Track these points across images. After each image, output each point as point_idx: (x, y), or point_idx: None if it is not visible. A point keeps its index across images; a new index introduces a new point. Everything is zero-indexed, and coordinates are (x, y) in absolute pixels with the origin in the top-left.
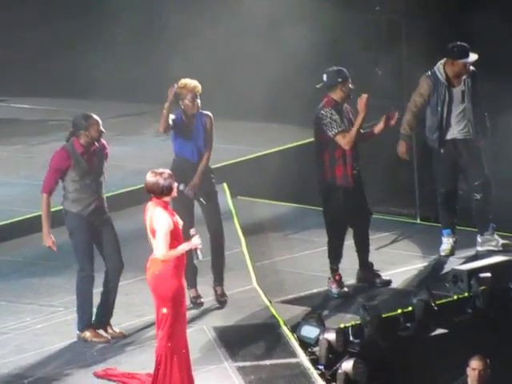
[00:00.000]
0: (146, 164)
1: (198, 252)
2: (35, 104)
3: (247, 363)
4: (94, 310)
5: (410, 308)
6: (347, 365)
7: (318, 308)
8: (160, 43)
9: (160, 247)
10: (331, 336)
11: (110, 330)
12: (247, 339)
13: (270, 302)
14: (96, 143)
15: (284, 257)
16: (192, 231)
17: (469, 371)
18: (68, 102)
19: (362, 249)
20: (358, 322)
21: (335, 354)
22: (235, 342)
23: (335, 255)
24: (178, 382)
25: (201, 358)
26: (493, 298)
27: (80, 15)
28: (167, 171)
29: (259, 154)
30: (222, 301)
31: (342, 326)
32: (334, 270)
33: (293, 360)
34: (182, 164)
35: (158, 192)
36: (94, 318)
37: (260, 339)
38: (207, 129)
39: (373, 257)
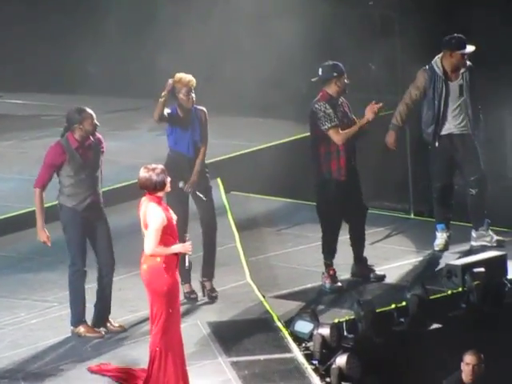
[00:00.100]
0: (140, 159)
1: (186, 259)
2: (28, 99)
3: (241, 358)
4: (91, 308)
5: (404, 303)
6: (341, 360)
7: (311, 303)
8: (153, 37)
9: (149, 242)
10: (325, 331)
11: (109, 326)
12: (241, 334)
13: (264, 297)
14: (91, 137)
15: (278, 252)
16: (187, 236)
17: (463, 366)
18: (61, 98)
19: (357, 244)
20: (352, 317)
21: (329, 349)
22: (229, 337)
23: (329, 250)
24: (172, 377)
25: (195, 353)
26: (487, 293)
27: (71, 9)
28: (160, 166)
29: (253, 149)
30: (212, 296)
31: (335, 320)
32: (328, 264)
33: (287, 355)
34: (176, 159)
35: (151, 188)
36: (93, 317)
37: (254, 334)
38: (202, 123)
39: (367, 252)
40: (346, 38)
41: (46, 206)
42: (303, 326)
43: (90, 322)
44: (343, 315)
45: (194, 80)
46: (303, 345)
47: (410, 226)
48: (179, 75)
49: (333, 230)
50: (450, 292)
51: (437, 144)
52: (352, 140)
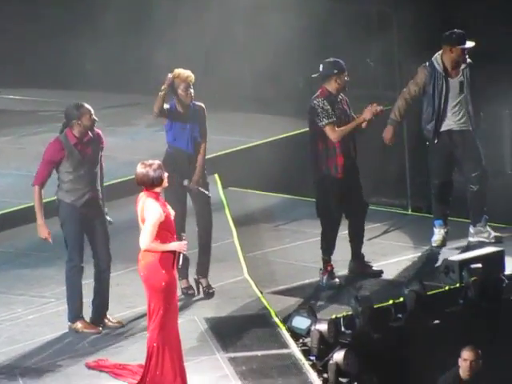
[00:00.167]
0: (137, 155)
1: (180, 259)
2: (26, 95)
3: (239, 354)
4: (89, 305)
5: (402, 299)
6: (338, 356)
7: (309, 299)
8: (150, 33)
9: (145, 237)
10: (323, 327)
11: (107, 322)
12: (239, 330)
13: (262, 292)
14: (90, 133)
15: (275, 248)
16: (184, 236)
17: (460, 362)
18: (59, 93)
19: (356, 240)
20: (350, 312)
21: (327, 344)
22: (227, 332)
23: (328, 246)
24: (169, 373)
25: (192, 348)
26: (484, 289)
27: (70, 5)
28: (157, 162)
29: (250, 144)
30: (209, 292)
31: (333, 316)
32: (326, 260)
33: (284, 351)
34: (175, 155)
35: (148, 183)
36: (91, 313)
37: (251, 330)
38: (201, 119)
39: (364, 248)
40: (344, 34)
41: (44, 201)
42: (301, 322)
43: (87, 318)
44: (341, 311)
45: (192, 75)
46: (301, 340)
47: (408, 222)
48: (178, 71)
49: (332, 226)
50: (447, 288)
51: (436, 140)
52: (350, 137)
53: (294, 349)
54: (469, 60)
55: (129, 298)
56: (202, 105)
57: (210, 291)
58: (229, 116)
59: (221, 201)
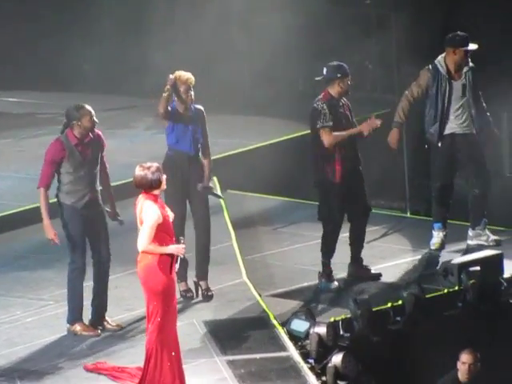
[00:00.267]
0: (136, 158)
1: (178, 261)
2: (24, 97)
3: (237, 357)
4: (88, 306)
5: (401, 302)
6: (337, 358)
7: (308, 302)
8: (148, 35)
9: (142, 239)
10: (321, 330)
11: (106, 324)
12: (237, 333)
13: (260, 295)
14: (90, 134)
15: (274, 250)
16: (182, 239)
17: (459, 365)
18: (57, 96)
19: (356, 243)
20: (348, 315)
21: (325, 347)
22: (225, 335)
23: (328, 249)
24: (168, 376)
25: (191, 351)
26: (483, 292)
27: (67, 7)
28: (155, 164)
29: (249, 147)
30: (208, 295)
31: (332, 319)
32: (326, 263)
33: (283, 354)
34: (175, 158)
35: (146, 186)
36: (90, 315)
37: (250, 333)
38: (202, 122)
39: (363, 251)
40: (343, 37)
41: None
42: (299, 325)
43: (86, 320)
44: (339, 314)
45: (192, 78)
46: (299, 343)
47: (407, 225)
48: (178, 73)
49: (333, 229)
50: (446, 291)
51: (440, 143)
52: (351, 143)
53: (293, 352)
54: (471, 64)
55: (127, 300)
56: (202, 107)
57: (209, 294)
58: (228, 119)
59: (219, 203)
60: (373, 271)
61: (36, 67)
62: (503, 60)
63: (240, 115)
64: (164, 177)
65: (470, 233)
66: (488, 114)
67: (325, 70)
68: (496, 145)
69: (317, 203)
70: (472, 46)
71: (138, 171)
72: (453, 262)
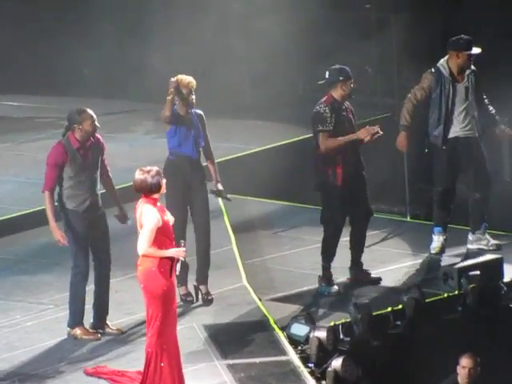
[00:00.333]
0: (136, 162)
1: (178, 266)
2: (24, 101)
3: (237, 361)
4: (89, 309)
5: (401, 306)
6: (337, 363)
7: (308, 306)
8: (147, 40)
9: (142, 242)
10: (322, 334)
11: (107, 328)
12: (237, 337)
13: (260, 299)
14: (91, 138)
15: (274, 254)
16: (182, 242)
17: (459, 369)
18: (57, 100)
19: (357, 247)
20: (348, 319)
21: (325, 352)
22: (225, 339)
23: (328, 253)
24: (168, 380)
25: (191, 355)
26: (483, 296)
27: (67, 11)
28: (155, 168)
29: (249, 152)
30: (208, 299)
31: (332, 323)
32: (326, 267)
33: (283, 358)
34: (177, 162)
35: (146, 190)
36: (92, 318)
37: (250, 337)
38: (203, 126)
39: (363, 255)
40: (343, 42)
41: (43, 208)
42: (299, 329)
43: (87, 324)
44: (339, 318)
45: (194, 81)
46: (299, 348)
47: (407, 229)
48: (180, 77)
49: (334, 233)
50: (446, 295)
51: (444, 147)
52: (353, 147)
53: (293, 356)
54: (473, 67)
55: (127, 304)
56: (201, 112)
57: (209, 298)
58: (227, 123)
59: (219, 208)
60: (373, 275)
61: (36, 71)
62: (503, 63)
63: (240, 119)
64: (164, 181)
65: (470, 237)
66: (493, 112)
67: (327, 74)
68: (496, 149)
69: (317, 207)
70: (475, 50)
71: (138, 175)
72: (453, 266)
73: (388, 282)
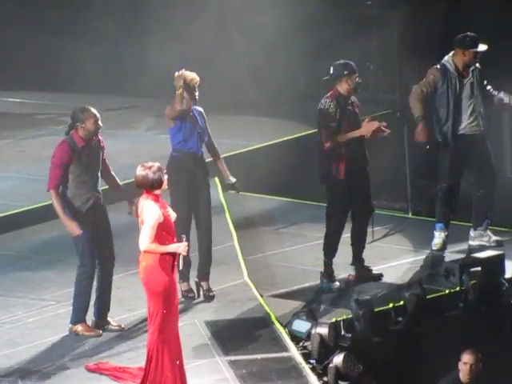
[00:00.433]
0: (138, 158)
1: (180, 261)
2: (25, 98)
3: (239, 357)
4: (91, 306)
5: (402, 302)
6: (338, 359)
7: (309, 302)
8: (147, 36)
9: (144, 239)
10: (323, 330)
11: (108, 325)
12: (239, 333)
13: (262, 296)
14: (94, 137)
15: (275, 251)
16: (183, 237)
17: (460, 365)
18: (58, 96)
19: (358, 243)
20: (350, 316)
21: (327, 348)
22: (227, 336)
23: (330, 249)
24: (169, 376)
25: (192, 351)
26: (484, 293)
27: (68, 7)
28: (156, 164)
29: (250, 148)
30: (210, 296)
31: (333, 320)
32: (327, 263)
33: (284, 354)
34: (180, 159)
35: (148, 186)
36: (94, 314)
37: (251, 333)
38: (205, 122)
39: (365, 251)
40: (344, 38)
41: (44, 204)
42: (301, 325)
43: (88, 320)
44: (341, 314)
45: (197, 78)
46: (301, 344)
47: (408, 226)
48: (183, 73)
49: (336, 229)
50: (447, 291)
51: (451, 142)
52: (358, 143)
53: (294, 352)
54: (478, 65)
55: (129, 301)
56: (201, 109)
57: (211, 294)
58: (228, 119)
59: (221, 204)
60: (374, 272)
61: (36, 68)
62: (503, 60)
63: (241, 116)
64: (165, 177)
65: (472, 233)
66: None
67: (331, 69)
68: (497, 145)
69: (318, 204)
70: (482, 47)
71: (140, 171)
72: (454, 262)
73: (389, 278)
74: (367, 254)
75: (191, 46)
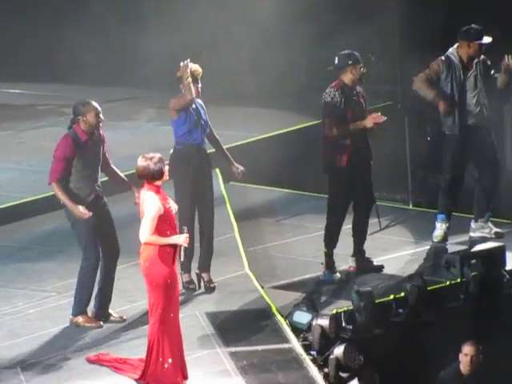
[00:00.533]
0: (139, 150)
1: (181, 252)
2: (25, 89)
3: (239, 348)
4: (92, 297)
5: (403, 294)
6: (339, 350)
7: (310, 293)
8: (148, 27)
9: (144, 230)
10: (324, 322)
11: (109, 316)
12: (239, 325)
13: (263, 287)
14: (95, 131)
15: (276, 242)
16: (184, 229)
17: (461, 357)
18: (58, 87)
19: (359, 234)
20: (351, 307)
21: (327, 339)
22: (227, 327)
23: (331, 240)
24: (170, 367)
25: (193, 343)
26: (485, 284)
27: None
28: (158, 155)
29: (251, 139)
30: (211, 287)
31: (334, 311)
32: (328, 254)
33: (285, 345)
34: (184, 151)
35: (149, 176)
36: (95, 305)
37: (252, 325)
38: (206, 114)
39: (366, 243)
40: (346, 30)
41: (45, 195)
42: (301, 317)
43: (89, 311)
44: (342, 306)
45: (200, 70)
46: (301, 335)
47: (409, 217)
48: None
49: (337, 220)
50: (448, 283)
51: (457, 133)
52: (361, 134)
53: (295, 343)
54: (482, 56)
55: (130, 292)
56: (200, 101)
57: (212, 286)
58: (229, 110)
59: (222, 195)
60: (375, 263)
61: (36, 59)
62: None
63: (241, 107)
64: (166, 168)
65: (473, 225)
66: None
67: (336, 59)
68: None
69: (319, 195)
70: (486, 40)
71: (141, 162)
72: (455, 254)
73: (390, 269)
74: (368, 246)
75: (191, 36)
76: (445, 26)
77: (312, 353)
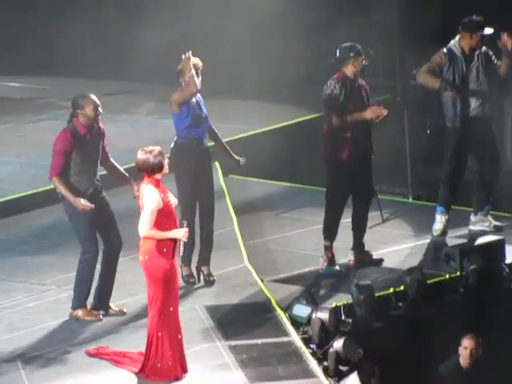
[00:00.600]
0: (138, 143)
1: (181, 247)
2: (25, 82)
3: (239, 342)
4: (92, 290)
5: (403, 287)
6: (338, 344)
7: (309, 287)
8: (146, 20)
9: (143, 224)
10: (323, 315)
11: (109, 309)
12: (239, 318)
13: (262, 280)
14: (95, 125)
15: (276, 235)
16: (184, 223)
17: (460, 350)
18: (58, 81)
19: (359, 228)
20: (350, 301)
21: (327, 333)
22: (227, 320)
23: (330, 232)
24: (169, 361)
25: (193, 336)
26: (484, 278)
27: None
28: (157, 148)
29: (251, 133)
30: (210, 280)
31: (334, 305)
32: (328, 247)
33: (285, 339)
34: (186, 145)
35: (148, 170)
36: (95, 298)
37: (252, 318)
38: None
39: (365, 236)
40: (345, 23)
41: (44, 189)
42: (301, 310)
43: (89, 304)
44: (341, 299)
45: (200, 63)
46: (301, 329)
47: (409, 210)
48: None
49: (335, 214)
50: (448, 276)
51: (458, 126)
52: (363, 127)
53: (295, 337)
54: (484, 48)
55: (129, 285)
56: (199, 95)
57: (211, 279)
58: (228, 104)
59: (221, 189)
60: (375, 256)
61: (36, 52)
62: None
63: (241, 100)
64: (166, 161)
65: (473, 218)
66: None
67: (338, 52)
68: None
69: (319, 188)
70: (488, 31)
71: (140, 155)
72: (455, 247)
73: (390, 263)
74: (368, 239)
75: (191, 29)
76: (444, 20)
77: (311, 346)
